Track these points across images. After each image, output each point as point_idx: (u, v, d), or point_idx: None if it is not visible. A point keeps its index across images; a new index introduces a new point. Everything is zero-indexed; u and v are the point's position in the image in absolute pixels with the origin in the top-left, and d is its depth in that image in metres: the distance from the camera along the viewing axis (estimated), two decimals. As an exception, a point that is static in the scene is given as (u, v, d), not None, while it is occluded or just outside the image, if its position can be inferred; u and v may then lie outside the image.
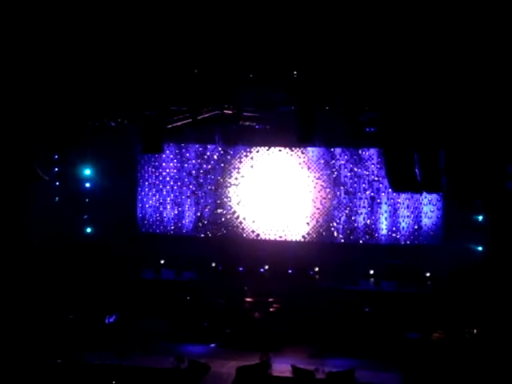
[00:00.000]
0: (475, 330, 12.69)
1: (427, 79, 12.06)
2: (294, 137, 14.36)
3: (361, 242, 15.85)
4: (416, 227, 15.56)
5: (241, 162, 16.26)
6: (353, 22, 10.94)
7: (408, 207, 15.59)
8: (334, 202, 15.92)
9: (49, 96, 13.02)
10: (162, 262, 15.76)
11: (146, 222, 16.49)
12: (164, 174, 16.46)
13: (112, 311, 13.70)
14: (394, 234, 15.69)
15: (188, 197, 16.38)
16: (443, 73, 11.93)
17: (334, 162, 15.93)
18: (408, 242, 15.59)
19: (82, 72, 12.49)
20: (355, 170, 15.84)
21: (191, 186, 16.40)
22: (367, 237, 15.80)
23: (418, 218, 15.53)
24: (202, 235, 16.33)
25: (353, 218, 15.85)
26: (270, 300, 14.10)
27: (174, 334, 13.23)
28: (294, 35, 11.34)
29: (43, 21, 11.10)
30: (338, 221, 15.95)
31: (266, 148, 16.12)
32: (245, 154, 16.24)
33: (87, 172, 15.58)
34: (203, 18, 11.04)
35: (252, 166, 16.20)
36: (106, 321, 13.47)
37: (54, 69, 12.33)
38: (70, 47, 11.88)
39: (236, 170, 16.25)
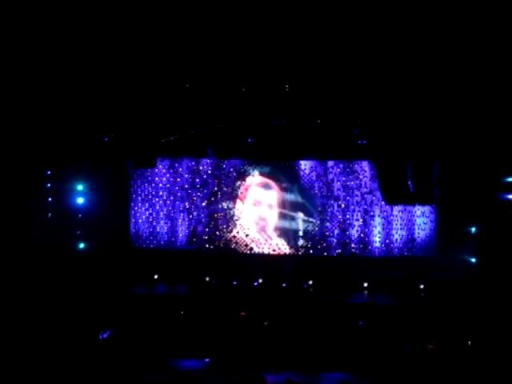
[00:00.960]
0: (469, 342, 12.70)
1: (419, 91, 12.20)
2: (285, 150, 15.07)
3: (355, 254, 15.71)
4: (409, 239, 15.49)
5: (233, 175, 16.11)
6: (345, 34, 11.06)
7: (401, 219, 15.53)
8: (328, 216, 15.82)
9: (41, 111, 13.11)
10: (156, 276, 15.62)
11: (139, 236, 16.33)
12: (157, 188, 16.32)
13: (106, 327, 13.62)
14: (387, 247, 15.60)
15: (181, 211, 16.23)
16: (435, 85, 12.08)
17: (326, 174, 15.79)
18: (402, 254, 15.51)
19: (74, 86, 12.57)
20: (348, 182, 15.75)
21: (184, 201, 16.25)
22: (361, 249, 15.69)
23: (411, 230, 15.47)
24: (195, 249, 16.13)
25: (346, 231, 15.76)
26: (264, 314, 14.06)
27: (168, 349, 13.12)
28: (285, 48, 11.43)
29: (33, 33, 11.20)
30: (331, 234, 15.86)
31: (259, 161, 15.98)
32: (237, 167, 16.10)
33: (80, 187, 15.40)
34: (194, 32, 11.15)
35: (244, 180, 16.05)
36: (100, 336, 13.42)
37: (47, 83, 12.44)
38: (60, 62, 11.98)
39: (229, 184, 16.09)
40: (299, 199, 15.81)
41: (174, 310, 14.46)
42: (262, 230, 15.98)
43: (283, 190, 15.89)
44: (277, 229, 15.97)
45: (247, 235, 16.08)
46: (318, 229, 15.84)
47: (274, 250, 15.99)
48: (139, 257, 15.98)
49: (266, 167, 16.01)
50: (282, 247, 15.95)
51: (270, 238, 15.93)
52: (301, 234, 15.82)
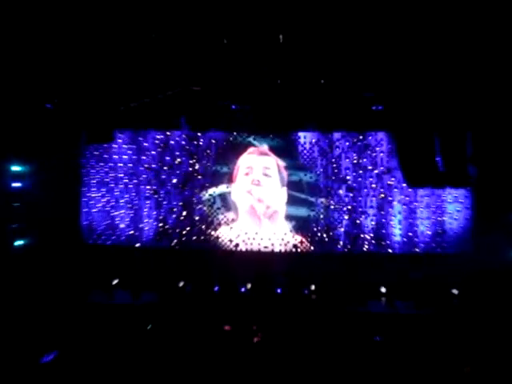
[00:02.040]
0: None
1: (449, 41, 11.46)
2: (280, 118, 14.41)
3: (368, 251, 15.19)
4: (438, 231, 15.00)
5: (213, 151, 15.59)
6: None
7: (428, 206, 15.03)
8: (334, 202, 15.29)
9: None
10: (115, 281, 15.12)
11: (92, 230, 15.82)
12: (116, 168, 15.77)
13: (50, 347, 12.65)
14: (410, 241, 15.08)
15: (147, 198, 15.74)
16: (467, 35, 11.29)
17: (332, 149, 15.32)
18: (429, 251, 14.99)
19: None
20: (359, 160, 15.23)
21: (151, 184, 15.73)
22: (376, 245, 15.18)
23: (440, 220, 15.03)
24: (166, 247, 15.62)
25: (357, 221, 15.27)
26: (254, 328, 13.29)
27: (131, 375, 11.96)
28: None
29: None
30: (338, 225, 15.30)
31: (246, 134, 15.48)
32: (218, 141, 15.57)
33: (16, 168, 14.67)
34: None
35: (228, 157, 15.51)
36: (42, 360, 12.39)
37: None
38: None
39: (207, 163, 15.59)
40: (300, 180, 15.41)
41: (138, 325, 13.64)
42: (253, 213, 15.44)
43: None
44: (273, 213, 15.42)
45: (231, 228, 15.45)
46: (321, 218, 15.37)
47: (265, 247, 15.36)
48: (94, 256, 15.56)
49: (256, 141, 15.49)
50: (277, 242, 15.36)
51: (260, 221, 15.42)
52: (301, 223, 15.34)
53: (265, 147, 15.40)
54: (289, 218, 15.36)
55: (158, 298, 14.86)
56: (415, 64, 12.05)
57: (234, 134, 15.47)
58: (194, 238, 15.63)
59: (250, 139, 15.45)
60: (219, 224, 15.52)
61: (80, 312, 14.06)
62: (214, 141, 15.55)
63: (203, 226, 15.63)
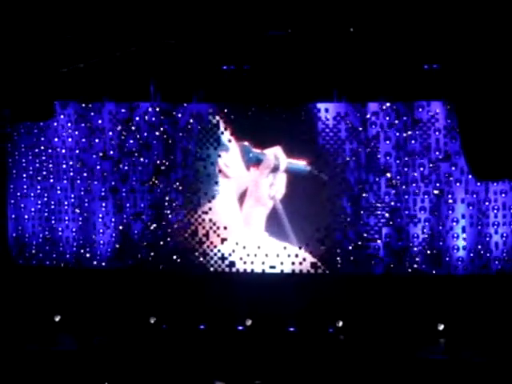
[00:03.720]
0: None
1: None
2: (290, 84, 14.84)
3: (418, 272, 14.28)
4: None
5: (196, 131, 14.74)
6: None
7: (504, 207, 14.02)
8: (368, 202, 14.38)
9: None
10: (57, 318, 14.49)
11: (24, 245, 15.20)
12: (57, 157, 15.08)
13: None
14: (479, 257, 14.09)
15: (102, 199, 14.95)
16: None
17: (365, 127, 14.43)
18: (505, 271, 13.97)
19: None
20: (406, 142, 14.28)
21: (107, 179, 14.99)
22: (430, 263, 14.23)
23: None
24: (129, 268, 14.97)
25: (403, 229, 14.31)
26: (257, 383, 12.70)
27: None
28: None
29: None
30: (375, 235, 14.38)
31: (242, 106, 14.69)
32: (203, 117, 14.72)
33: None
34: None
35: (217, 139, 14.68)
36: None
37: None
38: None
39: (188, 148, 14.80)
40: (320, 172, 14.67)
41: (92, 380, 12.89)
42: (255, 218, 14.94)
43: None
44: (280, 221, 14.69)
45: (224, 240, 14.62)
46: (351, 226, 14.55)
47: (272, 267, 14.51)
48: (26, 282, 15.13)
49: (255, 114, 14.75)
50: (288, 260, 14.55)
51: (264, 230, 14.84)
52: (322, 233, 14.53)
53: None
54: (305, 225, 14.46)
55: (118, 340, 14.18)
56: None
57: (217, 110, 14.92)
58: (170, 254, 14.96)
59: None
60: (206, 235, 14.76)
61: (8, 363, 13.32)
62: (196, 116, 14.81)
63: (183, 238, 14.87)
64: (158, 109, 15.00)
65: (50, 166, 15.26)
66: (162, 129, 15.03)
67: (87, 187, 15.20)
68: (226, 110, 14.95)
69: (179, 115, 14.91)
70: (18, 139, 15.30)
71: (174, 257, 15.11)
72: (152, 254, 15.14)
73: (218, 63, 14.37)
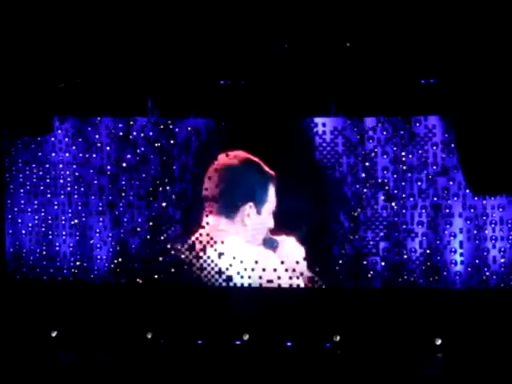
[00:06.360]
0: None
1: None
2: (288, 99, 14.35)
3: (416, 286, 14.22)
4: None
5: (195, 146, 14.78)
6: None
7: (502, 222, 13.92)
8: (366, 216, 14.36)
9: None
10: (54, 333, 14.46)
11: (21, 260, 15.14)
12: (55, 171, 15.01)
13: None
14: (477, 272, 13.99)
15: (99, 213, 14.91)
16: None
17: (362, 141, 14.41)
18: (504, 286, 13.91)
19: None
20: (402, 156, 14.25)
21: (105, 194, 14.97)
22: (428, 277, 14.17)
23: None
24: (127, 283, 14.96)
25: (400, 243, 14.27)
26: None
27: None
28: None
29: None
30: (373, 250, 14.33)
31: (241, 121, 14.64)
32: (201, 132, 14.74)
33: None
34: None
35: (214, 155, 14.64)
36: None
37: None
38: None
39: (186, 162, 14.80)
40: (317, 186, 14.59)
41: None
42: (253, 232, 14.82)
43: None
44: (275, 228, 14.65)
45: (221, 254, 14.59)
46: (349, 240, 14.46)
47: (270, 281, 14.49)
48: (23, 297, 14.92)
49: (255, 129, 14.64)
50: (286, 274, 14.50)
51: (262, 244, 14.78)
52: (320, 247, 14.56)
53: None
54: (302, 240, 14.49)
55: (116, 355, 14.12)
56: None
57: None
58: (168, 268, 14.93)
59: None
60: (203, 249, 14.71)
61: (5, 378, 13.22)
62: (194, 131, 14.83)
63: (180, 253, 14.86)
64: (154, 124, 14.94)
65: (46, 180, 15.15)
66: (160, 142, 14.95)
67: (84, 202, 15.12)
68: (222, 124, 14.88)
69: (176, 130, 14.86)
70: (15, 154, 15.24)
71: (172, 270, 15.01)
72: (149, 268, 15.09)
73: (215, 78, 14.29)
